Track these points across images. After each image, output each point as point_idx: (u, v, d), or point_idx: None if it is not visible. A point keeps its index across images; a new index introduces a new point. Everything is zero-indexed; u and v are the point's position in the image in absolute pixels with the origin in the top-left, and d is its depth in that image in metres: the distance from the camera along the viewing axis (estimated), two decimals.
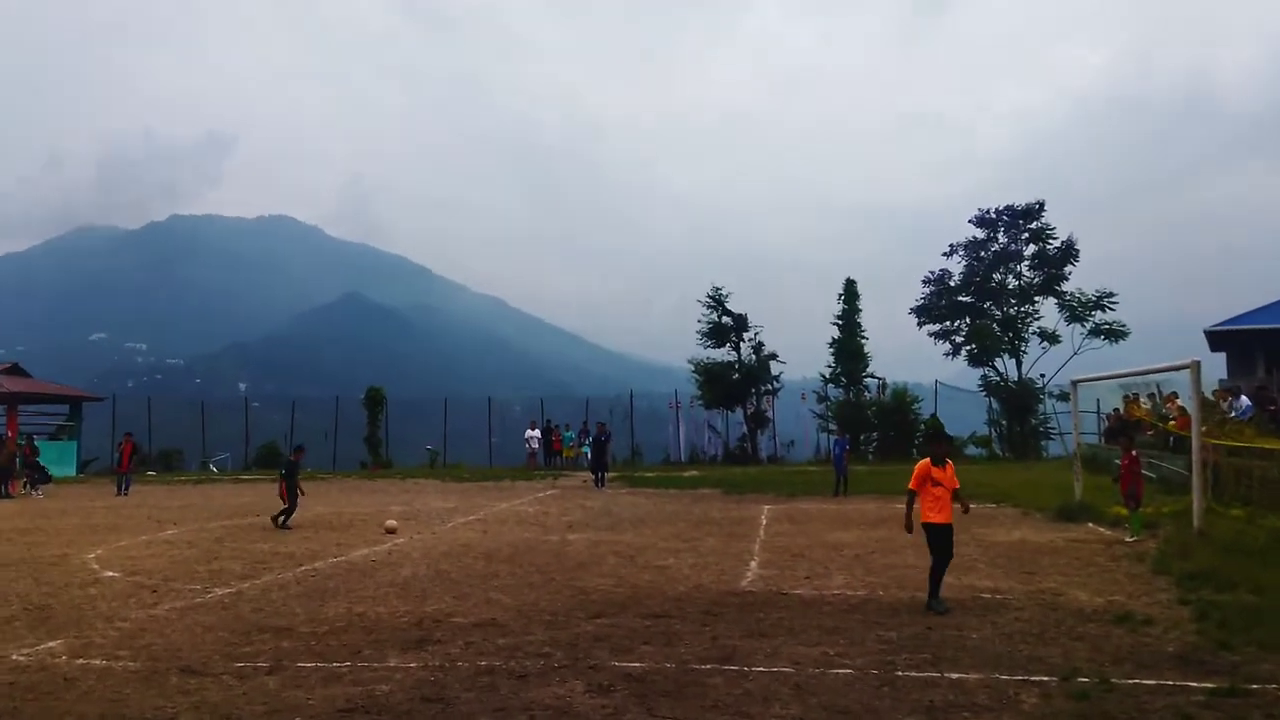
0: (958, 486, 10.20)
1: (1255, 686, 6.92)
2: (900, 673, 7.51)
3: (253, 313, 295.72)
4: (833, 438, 26.63)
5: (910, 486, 10.16)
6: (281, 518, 18.58)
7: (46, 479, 29.68)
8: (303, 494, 19.29)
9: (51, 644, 8.98)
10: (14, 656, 8.50)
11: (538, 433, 39.21)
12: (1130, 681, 7.15)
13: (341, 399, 43.92)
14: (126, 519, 20.98)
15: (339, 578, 12.53)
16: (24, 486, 28.96)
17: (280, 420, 46.17)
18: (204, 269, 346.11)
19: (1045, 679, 7.25)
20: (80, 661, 8.30)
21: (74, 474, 38.23)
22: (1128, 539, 14.63)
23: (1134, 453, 15.64)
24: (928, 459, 10.19)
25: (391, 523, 17.94)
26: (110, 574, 13.11)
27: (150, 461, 42.44)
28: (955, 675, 7.41)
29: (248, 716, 6.71)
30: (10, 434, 36.89)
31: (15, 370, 43.44)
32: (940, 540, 9.96)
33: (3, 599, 11.29)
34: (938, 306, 42.78)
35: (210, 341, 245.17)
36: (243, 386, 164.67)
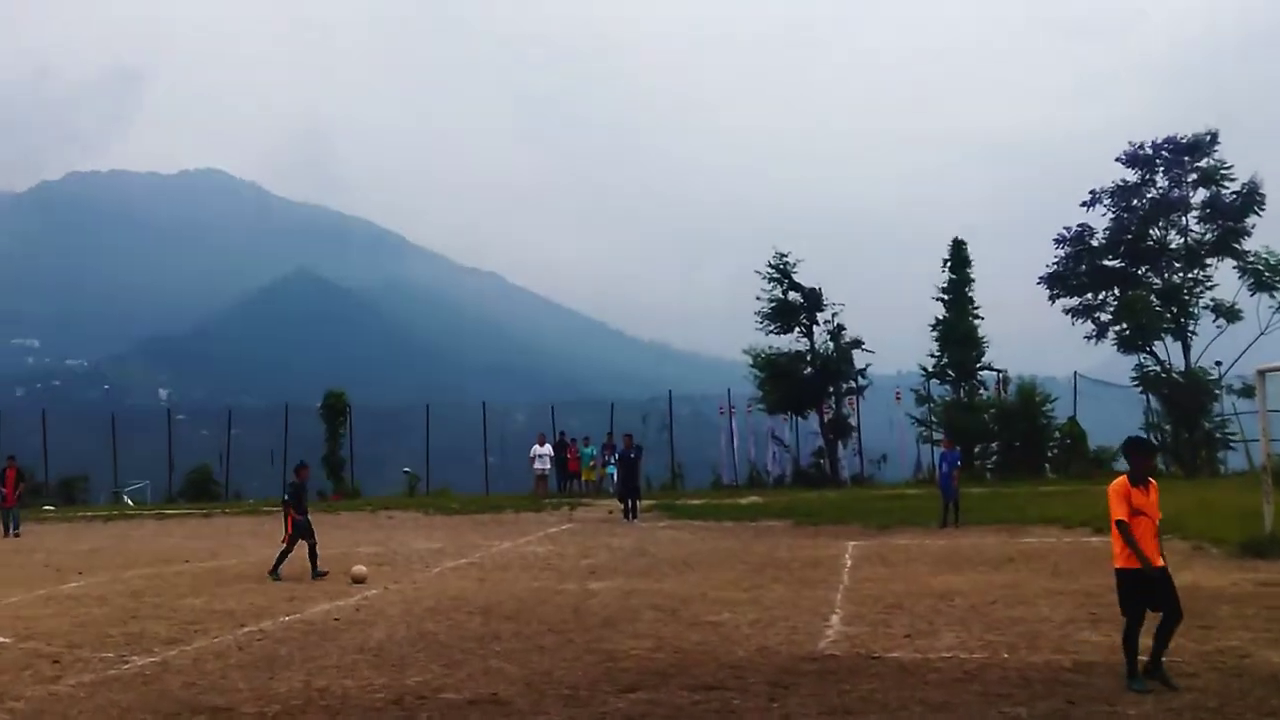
0: (1160, 517, 9.75)
1: None
2: None
3: (176, 298, 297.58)
4: (938, 451, 26.39)
5: (1119, 517, 9.52)
6: (279, 558, 18.66)
7: None
8: (304, 533, 19.04)
9: None
10: None
11: (548, 449, 39.27)
12: None
13: (292, 408, 44.27)
14: (17, 568, 21.29)
15: (293, 642, 12.64)
16: None
17: (213, 437, 46.67)
18: (112, 241, 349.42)
19: None
20: None
21: None
22: None
23: None
24: (1124, 478, 9.72)
25: (359, 569, 18.09)
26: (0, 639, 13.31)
27: (46, 492, 42.94)
28: None
29: None
30: None
31: None
32: (1153, 590, 9.35)
33: None
34: (1076, 274, 42.33)
35: (121, 337, 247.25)
36: (164, 394, 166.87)
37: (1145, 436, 23.44)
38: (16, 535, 28.84)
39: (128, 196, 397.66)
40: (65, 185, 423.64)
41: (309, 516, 19.09)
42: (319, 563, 18.51)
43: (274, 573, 18.42)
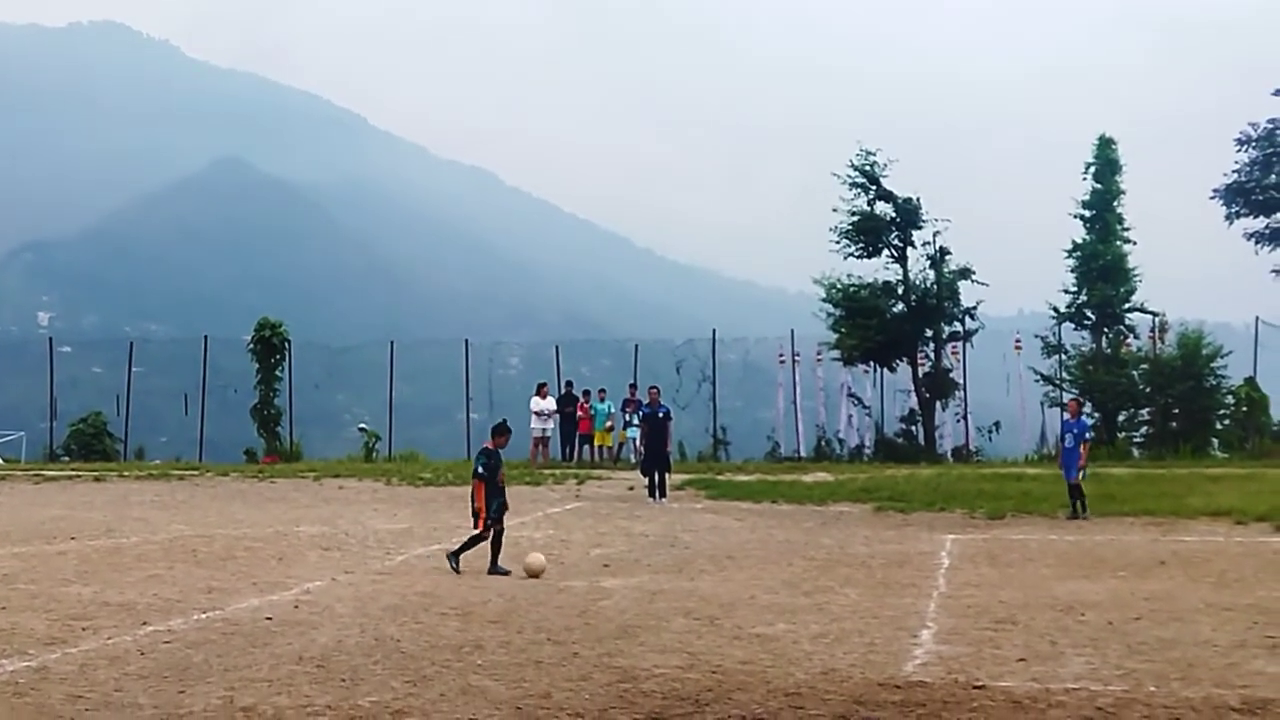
0: None
1: None
2: None
3: (62, 193, 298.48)
4: (1064, 417, 26.17)
5: None
6: (465, 545, 18.27)
7: None
8: (506, 509, 18.92)
9: None
10: None
11: (551, 403, 39.37)
12: None
13: (213, 340, 44.42)
14: None
15: (211, 646, 12.73)
16: None
17: (109, 376, 46.99)
18: None
19: None
20: None
21: None
22: None
23: None
24: None
25: (538, 560, 17.71)
26: None
27: None
28: None
29: None
30: None
31: None
32: None
33: None
34: (1264, 186, 42.07)
35: None
36: (44, 318, 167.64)
37: None
38: None
39: (0, 56, 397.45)
40: None
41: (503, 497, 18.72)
42: (458, 559, 18.07)
43: (454, 561, 17.94)
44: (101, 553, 20.10)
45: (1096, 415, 40.20)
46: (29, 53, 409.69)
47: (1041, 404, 40.78)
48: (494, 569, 17.70)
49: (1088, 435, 26.22)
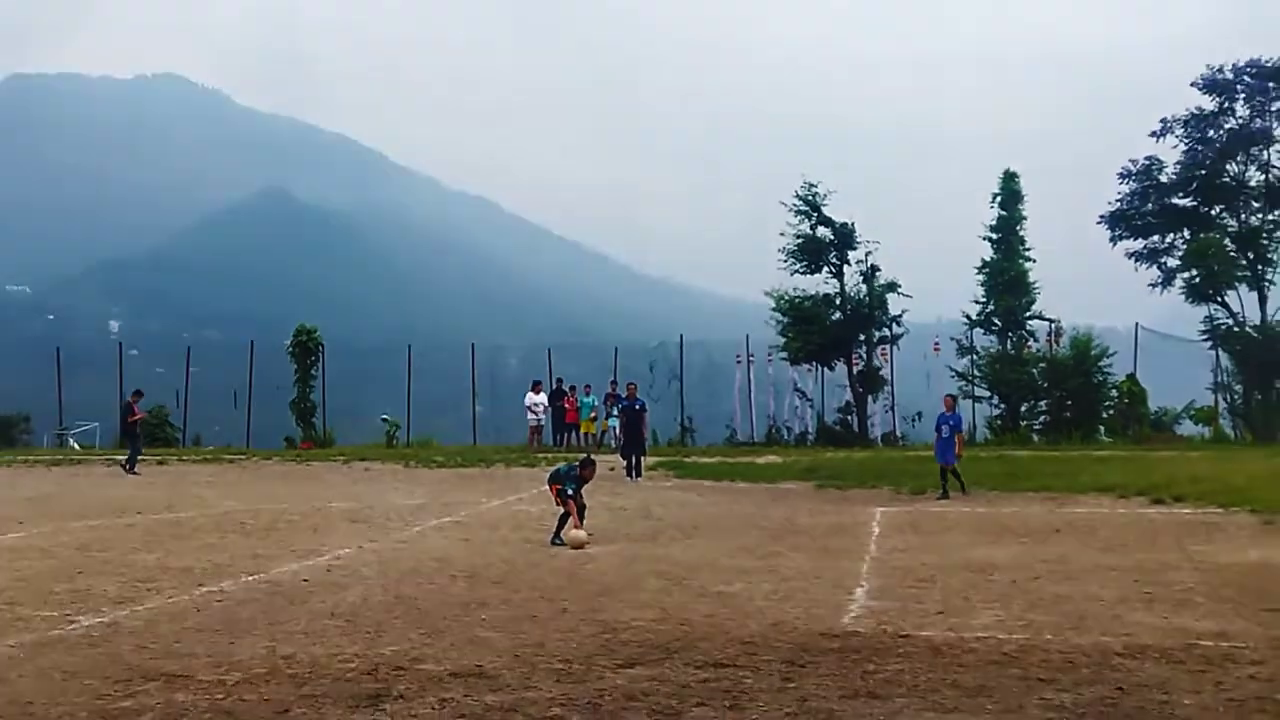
0: None
1: None
2: None
3: (129, 219, 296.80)
4: (940, 411, 25.91)
5: None
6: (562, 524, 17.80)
7: None
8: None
9: None
10: None
11: (543, 397, 39.35)
12: None
13: (258, 345, 44.29)
14: None
15: (257, 604, 12.73)
16: None
17: (170, 375, 46.74)
18: (59, 154, 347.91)
19: None
20: None
21: None
22: None
23: None
24: None
25: (579, 534, 17.32)
26: None
27: None
28: None
29: None
30: None
31: None
32: None
33: None
34: (1141, 213, 42.18)
35: (68, 260, 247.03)
36: (115, 326, 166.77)
37: None
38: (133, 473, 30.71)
39: (77, 103, 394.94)
40: (7, 89, 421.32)
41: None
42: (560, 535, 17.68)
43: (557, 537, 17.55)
44: (163, 525, 20.06)
45: (1002, 405, 40.39)
46: (102, 99, 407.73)
47: (958, 396, 40.87)
48: (555, 540, 17.39)
49: (961, 427, 26.17)
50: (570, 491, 17.63)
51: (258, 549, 17.01)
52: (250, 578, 14.46)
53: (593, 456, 20.80)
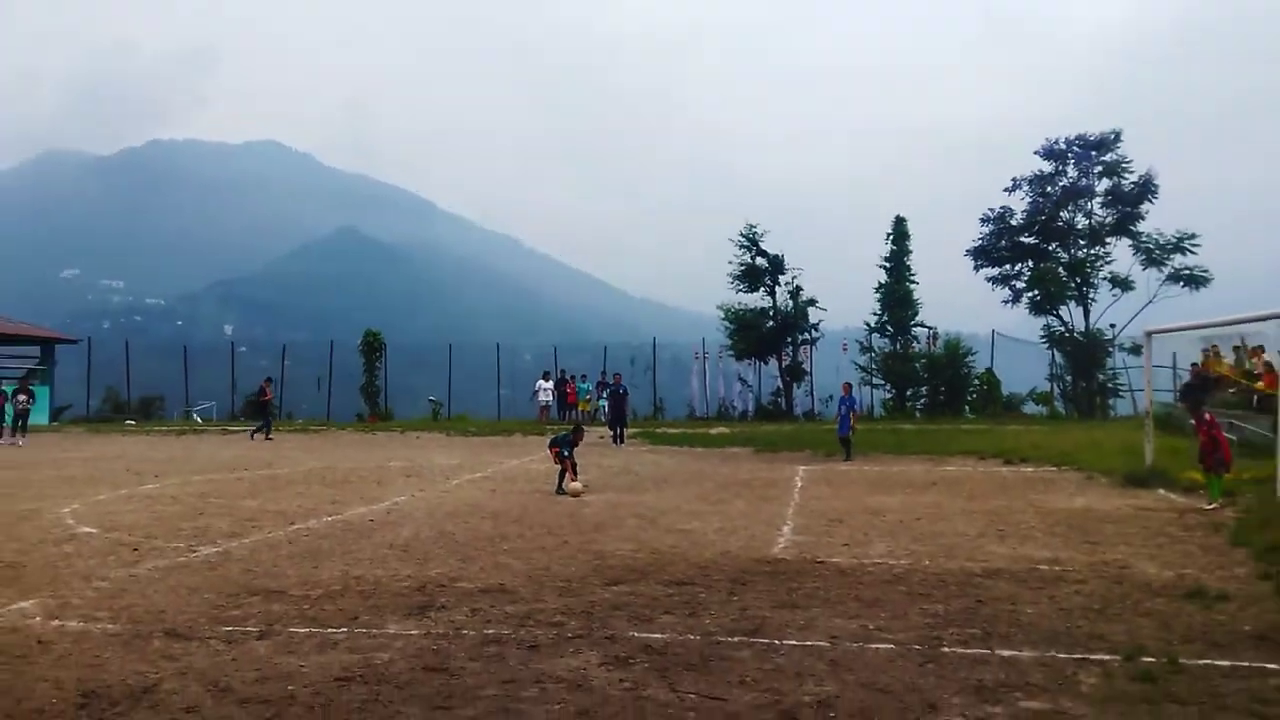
0: None
1: None
2: (946, 649, 7.55)
3: (239, 248, 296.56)
4: (840, 394, 25.91)
5: None
6: (560, 479, 17.50)
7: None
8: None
9: (24, 604, 9.14)
10: None
11: (550, 384, 39.31)
12: (1201, 662, 7.15)
13: (336, 344, 44.11)
14: (104, 471, 21.30)
15: (334, 537, 12.69)
16: (13, 434, 29.77)
17: (269, 366, 46.48)
18: (186, 199, 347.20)
19: (1107, 658, 7.27)
20: (55, 623, 8.45)
21: (46, 422, 38.67)
22: (1205, 506, 14.58)
23: (1206, 416, 15.46)
24: None
25: (576, 485, 17.18)
26: (87, 530, 13.32)
27: (128, 410, 42.99)
28: (1007, 653, 7.45)
29: (237, 684, 6.82)
30: None
31: None
32: None
33: None
34: (997, 248, 42.31)
35: (193, 279, 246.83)
36: (228, 329, 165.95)
37: None
38: (269, 439, 30.92)
39: (199, 162, 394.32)
40: (146, 150, 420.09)
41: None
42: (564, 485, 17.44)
43: (560, 489, 17.33)
44: (263, 479, 19.97)
45: (892, 391, 40.50)
46: (218, 159, 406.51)
47: (861, 385, 40.96)
48: (559, 491, 17.20)
49: (856, 407, 26.07)
50: (566, 453, 17.67)
51: (335, 496, 16.96)
52: (329, 518, 14.41)
53: (582, 426, 20.79)
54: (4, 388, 31.90)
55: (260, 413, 32.94)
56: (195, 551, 11.72)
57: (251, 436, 31.83)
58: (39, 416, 37.78)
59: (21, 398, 30.54)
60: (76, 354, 45.44)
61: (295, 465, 22.78)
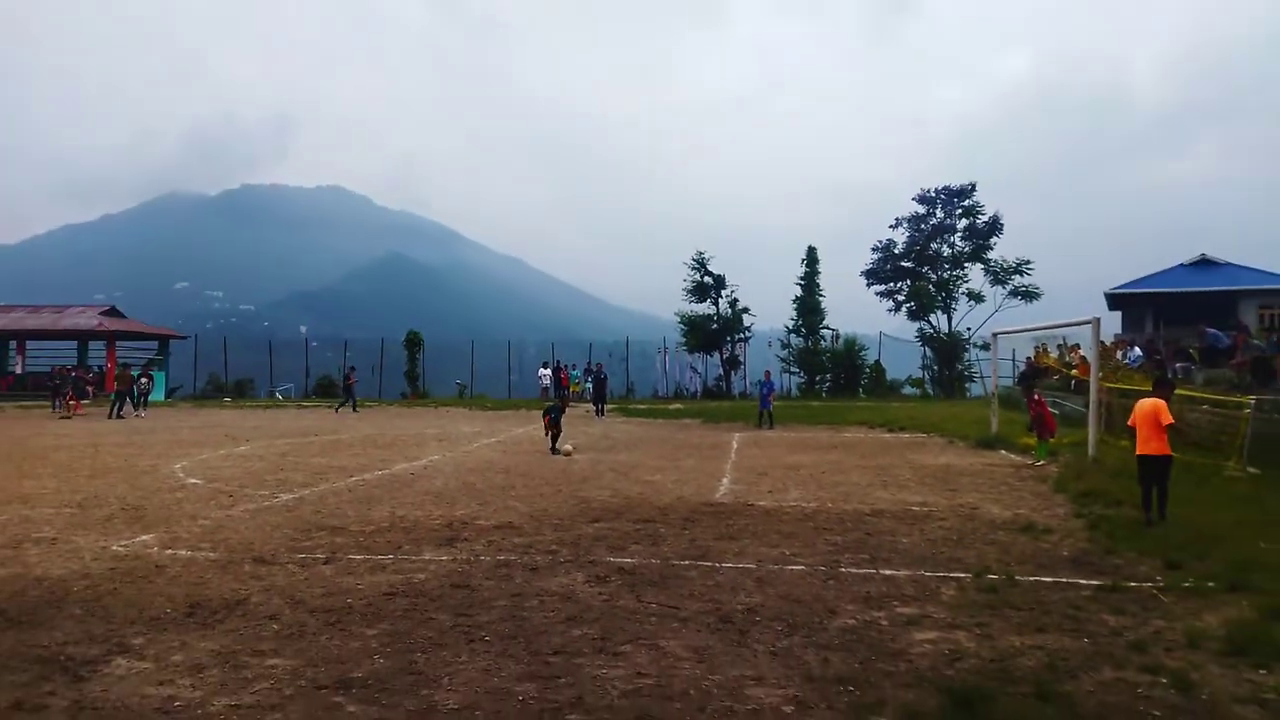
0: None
1: (1133, 584, 7.02)
2: (843, 569, 7.61)
3: (312, 267, 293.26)
4: (762, 378, 26.11)
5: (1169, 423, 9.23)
6: (553, 441, 17.38)
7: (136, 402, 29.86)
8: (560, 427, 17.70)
9: (145, 537, 9.03)
10: (114, 547, 8.57)
11: (549, 371, 39.14)
12: (1031, 579, 7.25)
13: (386, 341, 43.66)
14: (207, 436, 21.03)
15: (384, 487, 12.59)
16: (136, 408, 29.31)
17: (334, 357, 46.09)
18: (271, 230, 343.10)
19: (962, 576, 7.35)
20: (169, 552, 8.36)
21: (163, 399, 38.25)
22: (1034, 463, 14.75)
23: (1036, 395, 15.78)
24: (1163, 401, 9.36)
25: (567, 447, 17.03)
26: (193, 481, 13.16)
27: (226, 390, 42.48)
28: (889, 572, 7.51)
29: (308, 597, 6.78)
30: (110, 365, 37.11)
31: (113, 312, 43.63)
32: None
33: (104, 500, 11.36)
34: (884, 270, 42.66)
35: (277, 291, 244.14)
36: (303, 329, 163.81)
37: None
38: (356, 412, 30.16)
39: (281, 201, 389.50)
40: (241, 192, 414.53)
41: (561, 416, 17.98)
42: (557, 445, 17.31)
43: (554, 450, 17.12)
44: (329, 442, 19.78)
45: (804, 376, 40.64)
46: (295, 199, 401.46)
47: (780, 372, 41.05)
48: (553, 451, 17.10)
49: (774, 389, 26.14)
50: (554, 418, 17.70)
51: (384, 456, 16.82)
52: (380, 472, 14.29)
53: (568, 399, 20.66)
54: (132, 372, 31.40)
55: (346, 393, 32.57)
56: (277, 498, 11.60)
57: (336, 410, 31.29)
58: (157, 394, 37.25)
59: (144, 380, 30.11)
60: (186, 348, 45.14)
61: (354, 432, 22.58)
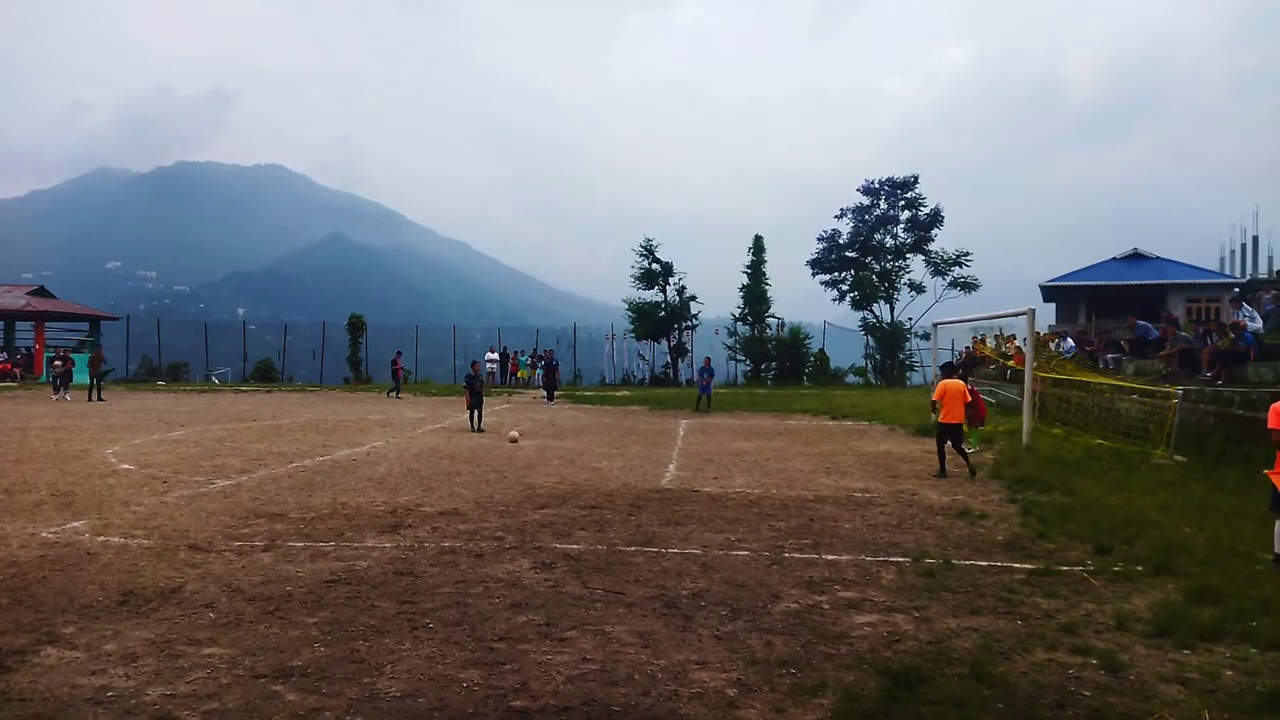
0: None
1: (1065, 568, 7.27)
2: (787, 554, 7.72)
3: (249, 248, 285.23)
4: (701, 365, 26.61)
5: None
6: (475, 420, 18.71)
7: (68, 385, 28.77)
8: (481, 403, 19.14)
9: (76, 524, 8.75)
10: (43, 534, 8.28)
11: (496, 356, 38.89)
12: (967, 563, 7.45)
13: (328, 324, 42.86)
14: (139, 421, 20.40)
15: (325, 473, 12.37)
16: (59, 391, 28.20)
17: (273, 341, 45.09)
18: (207, 209, 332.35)
19: (901, 560, 7.52)
20: (101, 539, 8.11)
21: (86, 382, 36.81)
22: (969, 450, 15.11)
23: (969, 384, 16.11)
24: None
25: (514, 433, 16.96)
26: (126, 467, 12.76)
27: (159, 373, 41.25)
28: (831, 556, 7.64)
29: (246, 585, 6.64)
30: (39, 346, 35.76)
31: (42, 292, 41.93)
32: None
33: (33, 486, 10.95)
34: (829, 260, 43.20)
35: (212, 272, 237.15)
36: (241, 311, 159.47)
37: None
38: (399, 398, 29.82)
39: (217, 179, 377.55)
40: (175, 170, 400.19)
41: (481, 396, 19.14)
42: (480, 425, 18.67)
43: (478, 429, 18.42)
44: (268, 427, 19.34)
45: (750, 364, 41.00)
46: (233, 178, 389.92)
47: (727, 360, 41.35)
48: (477, 429, 17.83)
49: (714, 375, 26.45)
50: (474, 389, 18.70)
51: (325, 441, 16.52)
52: (321, 458, 14.03)
53: (479, 376, 20.31)
54: (72, 355, 30.22)
55: (393, 379, 31.87)
56: (213, 484, 11.32)
57: (388, 395, 30.84)
58: (84, 377, 36.01)
59: (58, 363, 29.07)
60: (117, 329, 43.64)
61: (294, 417, 22.13)
